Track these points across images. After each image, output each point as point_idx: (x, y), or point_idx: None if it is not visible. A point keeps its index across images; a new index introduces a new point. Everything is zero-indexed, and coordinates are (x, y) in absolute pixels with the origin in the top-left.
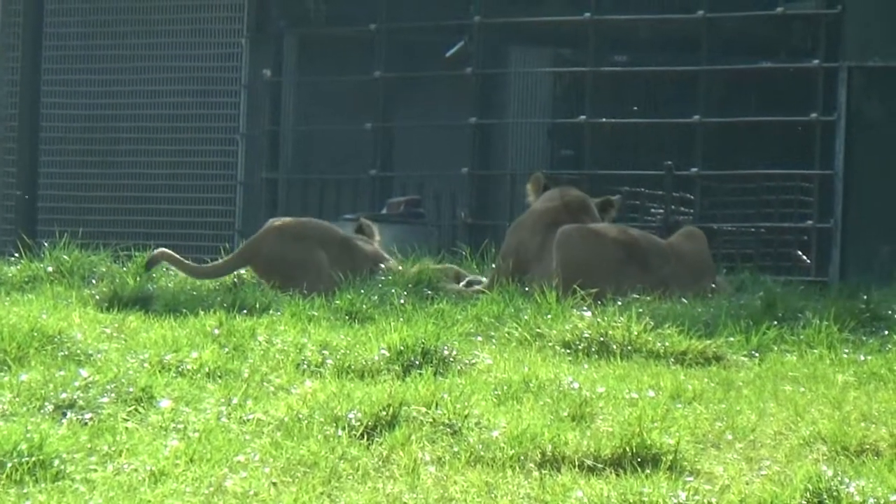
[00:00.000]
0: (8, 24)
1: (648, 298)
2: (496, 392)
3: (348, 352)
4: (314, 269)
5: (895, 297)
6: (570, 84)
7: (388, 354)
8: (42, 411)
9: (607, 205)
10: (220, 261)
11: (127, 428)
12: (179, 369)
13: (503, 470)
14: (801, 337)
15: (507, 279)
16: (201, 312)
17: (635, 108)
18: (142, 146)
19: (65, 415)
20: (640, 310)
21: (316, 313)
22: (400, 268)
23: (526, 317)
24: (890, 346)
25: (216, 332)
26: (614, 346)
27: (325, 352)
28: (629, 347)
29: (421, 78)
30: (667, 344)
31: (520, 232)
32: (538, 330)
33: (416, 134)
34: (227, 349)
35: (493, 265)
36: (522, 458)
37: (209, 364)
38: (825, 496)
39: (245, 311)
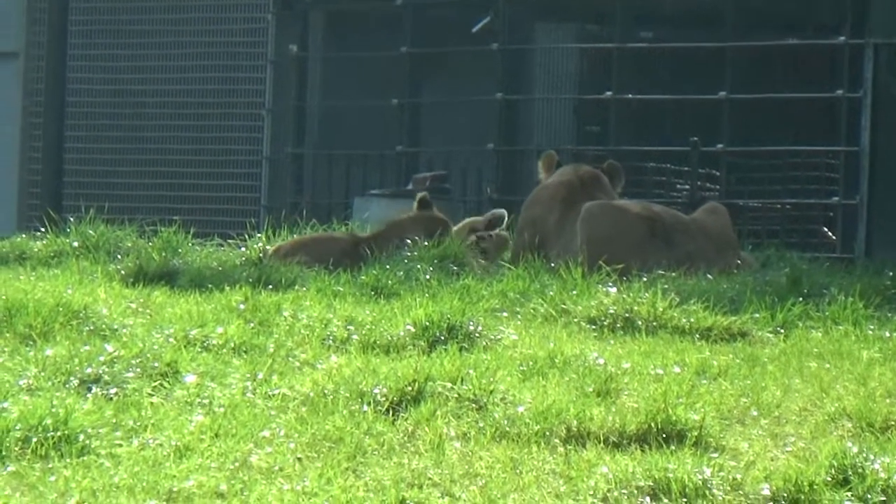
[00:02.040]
0: None
1: (674, 274)
2: (521, 368)
3: (374, 327)
4: None
5: None
6: (596, 60)
7: (413, 330)
8: (67, 386)
9: (612, 169)
10: None
11: (152, 403)
12: (205, 344)
13: (528, 445)
14: (827, 313)
15: (531, 253)
16: (227, 287)
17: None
18: (168, 121)
19: (90, 389)
20: (666, 286)
21: (341, 289)
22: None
23: (551, 293)
24: None
25: (242, 307)
26: (639, 322)
27: (351, 327)
28: (654, 323)
29: (447, 53)
30: (692, 320)
31: (535, 207)
32: (563, 306)
33: (443, 109)
34: (252, 324)
35: (512, 242)
36: (547, 433)
37: (234, 339)
38: (850, 472)
39: (270, 287)
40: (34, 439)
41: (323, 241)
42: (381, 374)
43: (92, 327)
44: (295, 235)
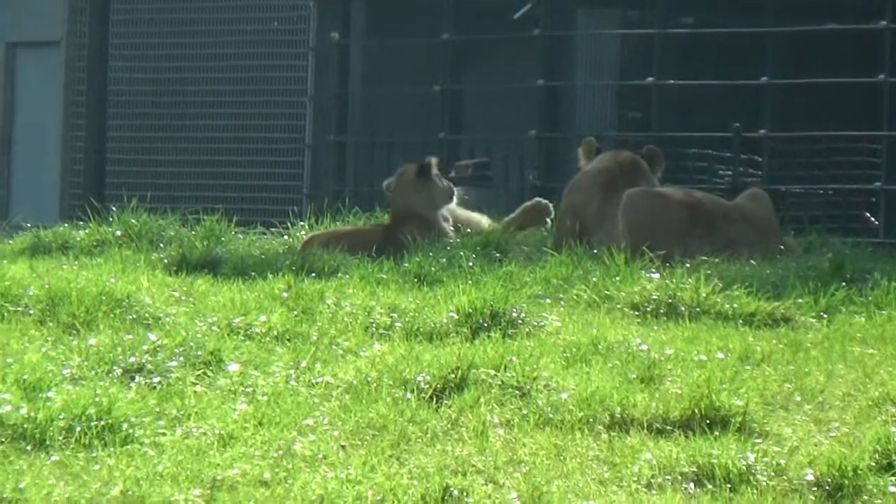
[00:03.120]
0: None
1: (716, 260)
2: (565, 354)
3: (417, 314)
4: None
5: None
6: (637, 46)
7: (456, 317)
8: (110, 375)
9: (652, 155)
10: None
11: (195, 391)
12: (248, 332)
13: (572, 432)
14: (870, 298)
15: (573, 239)
16: (270, 275)
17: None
18: (209, 109)
19: (133, 378)
20: (708, 272)
21: (384, 276)
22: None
23: (594, 279)
24: None
25: (285, 295)
26: (683, 308)
27: (394, 314)
28: (697, 309)
29: (489, 40)
30: (735, 306)
31: (575, 194)
32: (606, 292)
33: (484, 96)
34: (295, 312)
35: (554, 228)
36: (591, 420)
37: (278, 327)
38: (894, 457)
39: (313, 274)
40: (78, 428)
41: (352, 233)
42: (424, 362)
43: (135, 316)
44: (337, 224)
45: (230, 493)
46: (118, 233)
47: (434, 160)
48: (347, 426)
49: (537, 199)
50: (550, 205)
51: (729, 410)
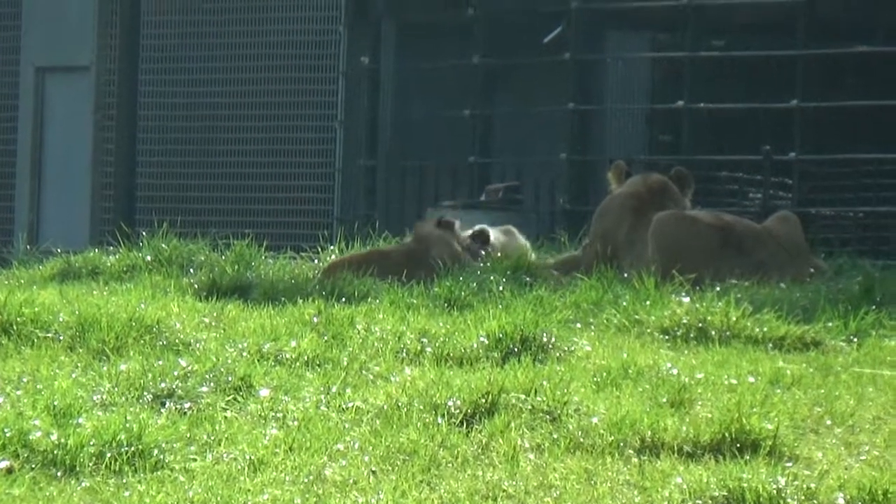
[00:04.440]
0: (105, 11)
1: (746, 284)
2: (595, 379)
3: (447, 339)
4: None
5: None
6: (668, 69)
7: (486, 342)
8: (141, 401)
9: (681, 177)
10: None
11: (226, 417)
12: (278, 358)
13: (602, 456)
14: None
15: (604, 263)
16: (300, 301)
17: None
18: (240, 134)
19: (164, 404)
20: (739, 295)
21: (415, 301)
22: None
23: (624, 303)
24: None
25: (315, 320)
26: (713, 332)
27: (424, 339)
28: (728, 333)
29: (519, 64)
30: (765, 329)
31: (605, 218)
32: (637, 316)
33: (515, 120)
34: (325, 337)
35: (583, 252)
36: (622, 444)
37: (308, 352)
38: None
39: (343, 300)
40: (108, 454)
41: (376, 257)
42: (454, 387)
43: (165, 342)
44: (364, 248)
45: None
46: (148, 258)
47: (457, 222)
48: (378, 451)
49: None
50: None
51: (759, 434)
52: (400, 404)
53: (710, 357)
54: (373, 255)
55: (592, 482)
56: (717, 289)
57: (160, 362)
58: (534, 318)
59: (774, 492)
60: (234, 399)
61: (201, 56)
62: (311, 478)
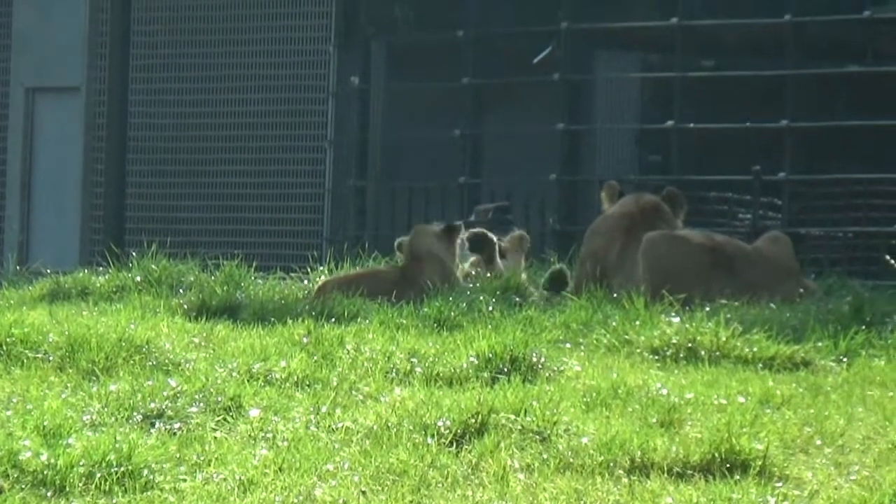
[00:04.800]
0: (95, 33)
1: (736, 304)
2: (585, 399)
3: (437, 359)
4: None
5: None
6: (657, 89)
7: (476, 362)
8: (131, 421)
9: (673, 197)
10: None
11: (216, 437)
12: (268, 378)
13: (592, 477)
14: (889, 341)
15: (594, 283)
16: (289, 321)
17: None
18: (229, 154)
19: (153, 424)
20: (728, 315)
21: (404, 321)
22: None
23: (614, 323)
24: None
25: (304, 340)
26: (702, 352)
27: (414, 360)
28: (717, 353)
29: (509, 84)
30: (755, 349)
31: (596, 238)
32: (626, 336)
33: (505, 140)
34: (315, 358)
35: (574, 272)
36: (611, 464)
37: (298, 373)
38: None
39: (333, 320)
40: (98, 475)
41: (367, 277)
42: (444, 407)
43: (155, 362)
44: (354, 268)
45: None
46: (138, 278)
47: (463, 228)
48: (368, 471)
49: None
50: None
51: (749, 454)
52: (389, 424)
53: (700, 377)
54: (365, 275)
55: (582, 502)
56: (707, 309)
57: (150, 382)
58: (523, 338)
59: None
60: (224, 419)
61: (191, 77)
62: (301, 498)
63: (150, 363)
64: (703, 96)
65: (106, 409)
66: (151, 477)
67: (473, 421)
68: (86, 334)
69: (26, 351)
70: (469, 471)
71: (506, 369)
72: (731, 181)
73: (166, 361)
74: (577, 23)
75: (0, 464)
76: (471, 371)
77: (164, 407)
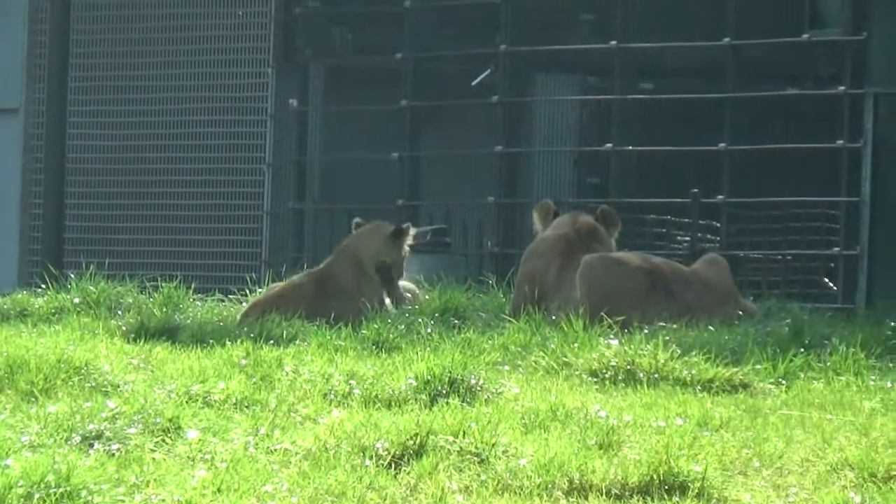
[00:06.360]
0: (33, 54)
1: (675, 326)
2: (523, 421)
3: (375, 381)
4: None
5: None
6: (596, 112)
7: (415, 384)
8: (69, 442)
9: (607, 216)
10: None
11: (154, 458)
12: (207, 400)
13: (531, 498)
14: (828, 364)
15: (532, 306)
16: (228, 343)
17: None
18: (168, 176)
19: (92, 446)
20: (667, 338)
21: (343, 343)
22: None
23: (553, 345)
24: None
25: (243, 362)
26: (641, 375)
27: (352, 381)
28: (656, 375)
29: (447, 107)
30: (694, 372)
31: (533, 261)
32: (565, 359)
33: (443, 163)
34: (254, 379)
35: (511, 295)
36: (550, 486)
37: (236, 394)
38: None
39: (272, 342)
40: (37, 496)
41: (288, 292)
42: (382, 429)
43: (94, 383)
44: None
45: None
46: (76, 300)
47: (412, 229)
48: (306, 493)
49: None
50: None
51: (688, 476)
52: (328, 446)
53: (639, 399)
54: (286, 290)
55: None
56: (646, 331)
57: (88, 404)
58: (462, 360)
59: None
60: (163, 440)
61: (130, 99)
62: None
63: (89, 385)
64: (641, 119)
65: (45, 431)
66: (90, 498)
67: (412, 443)
68: (24, 355)
69: None
70: (407, 492)
71: (444, 391)
72: (670, 203)
73: (105, 383)
74: (516, 45)
75: None
76: (409, 393)
77: (102, 428)
